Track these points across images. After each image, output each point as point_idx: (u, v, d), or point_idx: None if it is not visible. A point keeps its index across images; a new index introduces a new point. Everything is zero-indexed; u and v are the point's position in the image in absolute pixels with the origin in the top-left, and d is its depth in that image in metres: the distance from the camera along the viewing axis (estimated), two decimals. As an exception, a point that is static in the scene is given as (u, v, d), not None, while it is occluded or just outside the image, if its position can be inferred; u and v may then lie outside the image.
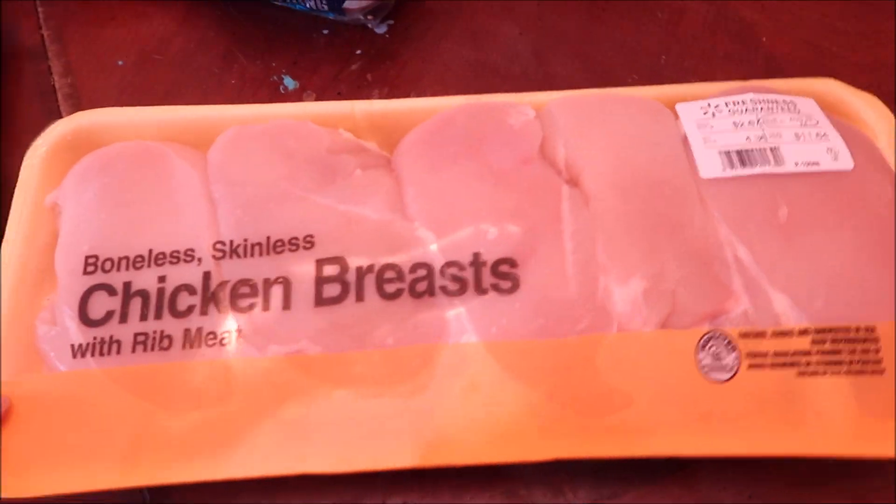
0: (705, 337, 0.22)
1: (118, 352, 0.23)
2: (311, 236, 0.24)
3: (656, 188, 0.24)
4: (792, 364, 0.22)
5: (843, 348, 0.22)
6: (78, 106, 0.34)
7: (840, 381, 0.21)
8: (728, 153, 0.24)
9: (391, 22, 0.36)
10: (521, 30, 0.35)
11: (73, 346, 0.23)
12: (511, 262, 0.23)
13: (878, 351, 0.22)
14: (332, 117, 0.27)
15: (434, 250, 0.23)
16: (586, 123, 0.25)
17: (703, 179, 0.24)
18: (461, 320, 0.22)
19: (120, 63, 0.35)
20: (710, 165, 0.24)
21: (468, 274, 0.23)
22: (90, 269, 0.24)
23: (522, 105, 0.26)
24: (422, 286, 0.23)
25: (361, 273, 0.23)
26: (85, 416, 0.22)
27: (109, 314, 0.23)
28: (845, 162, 0.24)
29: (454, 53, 0.35)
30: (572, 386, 0.21)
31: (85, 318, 0.23)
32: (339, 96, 0.34)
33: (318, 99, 0.34)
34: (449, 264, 0.23)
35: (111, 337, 0.23)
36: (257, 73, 0.35)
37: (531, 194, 0.24)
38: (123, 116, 0.28)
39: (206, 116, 0.27)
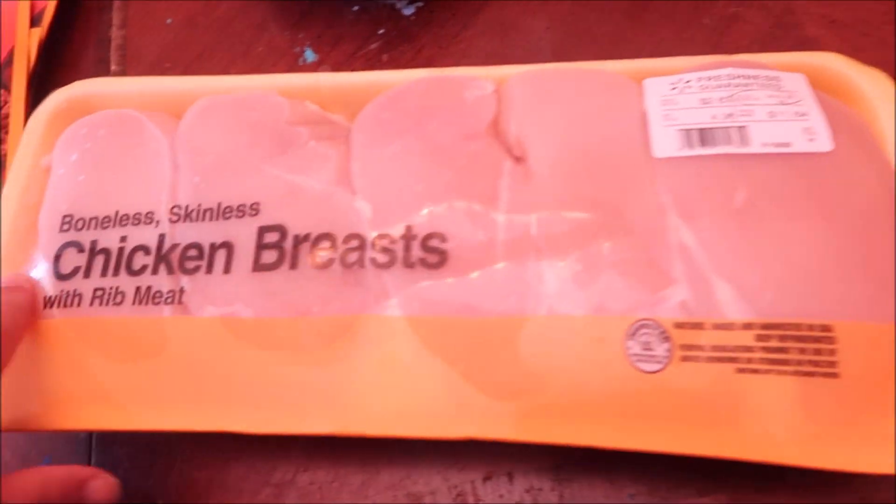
0: (637, 324, 0.20)
1: (78, 304, 0.24)
2: (258, 204, 0.24)
3: (602, 168, 0.22)
4: (731, 360, 0.20)
5: (792, 346, 0.20)
6: (124, 57, 0.37)
7: (785, 381, 0.19)
8: (688, 131, 0.23)
9: (420, 4, 0.35)
10: (549, 25, 0.33)
11: (45, 298, 0.25)
12: (441, 237, 0.22)
13: (832, 353, 0.19)
14: (299, 89, 0.28)
15: (368, 222, 0.23)
16: (542, 98, 0.24)
17: (657, 159, 0.22)
18: (387, 293, 0.22)
19: (168, 21, 0.37)
20: (665, 144, 0.22)
21: (398, 247, 0.22)
22: (65, 227, 0.26)
23: (482, 79, 0.26)
24: (353, 257, 0.23)
25: (298, 241, 0.23)
26: (43, 360, 0.24)
27: (76, 269, 0.25)
28: (823, 144, 0.22)
29: (472, 43, 0.34)
30: (490, 366, 0.21)
31: (56, 273, 0.25)
32: (353, 73, 0.34)
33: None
34: (381, 237, 0.23)
35: (74, 290, 0.24)
36: (283, 43, 0.35)
37: (470, 170, 0.23)
38: (116, 86, 0.30)
39: (186, 87, 0.29)
